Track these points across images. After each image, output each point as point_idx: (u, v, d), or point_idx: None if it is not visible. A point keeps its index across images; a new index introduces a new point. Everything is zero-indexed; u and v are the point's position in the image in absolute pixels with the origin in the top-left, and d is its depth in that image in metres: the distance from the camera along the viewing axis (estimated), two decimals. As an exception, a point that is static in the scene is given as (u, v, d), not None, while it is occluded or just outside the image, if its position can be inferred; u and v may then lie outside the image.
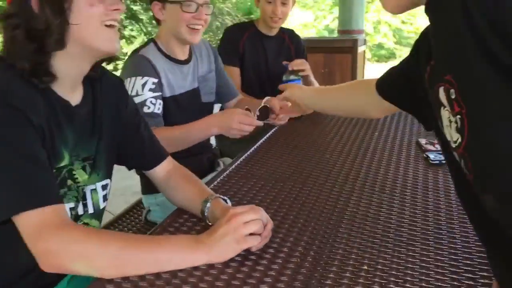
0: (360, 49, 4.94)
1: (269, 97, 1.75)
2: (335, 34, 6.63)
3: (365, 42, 5.38)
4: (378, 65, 15.62)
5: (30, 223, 0.88)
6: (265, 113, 1.72)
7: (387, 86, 1.15)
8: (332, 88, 1.47)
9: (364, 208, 1.21)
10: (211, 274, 0.90)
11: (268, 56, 2.34)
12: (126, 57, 1.74)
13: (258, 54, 2.32)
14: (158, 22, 1.74)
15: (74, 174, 1.05)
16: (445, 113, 0.74)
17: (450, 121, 0.73)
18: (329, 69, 4.81)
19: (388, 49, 20.93)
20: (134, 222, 1.83)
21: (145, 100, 1.57)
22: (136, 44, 9.92)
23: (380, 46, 20.81)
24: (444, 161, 1.47)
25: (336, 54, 4.83)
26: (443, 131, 0.77)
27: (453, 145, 0.74)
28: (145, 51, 1.68)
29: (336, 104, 1.45)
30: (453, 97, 0.70)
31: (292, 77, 2.11)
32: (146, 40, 1.93)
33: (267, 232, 1.00)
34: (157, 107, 1.60)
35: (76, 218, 1.09)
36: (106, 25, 1.00)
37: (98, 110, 1.11)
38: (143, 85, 1.57)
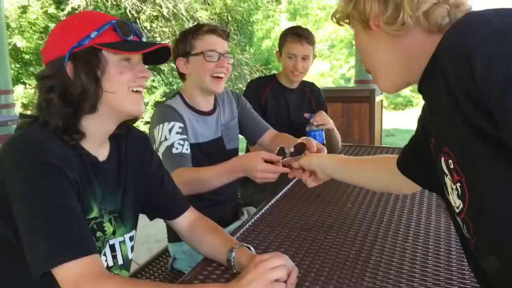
0: (378, 98, 5.03)
1: (306, 137, 1.73)
2: (351, 83, 6.79)
3: (382, 91, 5.47)
4: (395, 113, 15.66)
5: (70, 274, 0.92)
6: (300, 150, 1.68)
7: (407, 164, 1.12)
8: (358, 162, 1.39)
9: (388, 256, 1.23)
10: (241, 321, 0.94)
11: (290, 108, 2.43)
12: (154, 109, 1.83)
13: (280, 107, 2.41)
14: (183, 77, 1.84)
15: (104, 227, 1.11)
16: (448, 181, 0.80)
17: (452, 188, 0.79)
18: (347, 118, 4.89)
19: (405, 97, 21.07)
20: (160, 271, 1.86)
21: (173, 143, 1.63)
22: (157, 94, 10.22)
23: (396, 94, 20.99)
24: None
25: (354, 103, 4.93)
26: (448, 198, 0.83)
27: (456, 211, 0.79)
28: (171, 101, 1.77)
29: (365, 179, 1.36)
30: (451, 167, 0.77)
31: (314, 127, 2.18)
32: (166, 90, 2.02)
33: (292, 279, 1.03)
34: (185, 148, 1.66)
35: (107, 269, 1.13)
36: (133, 91, 1.08)
37: (123, 165, 1.18)
38: (170, 130, 1.65)
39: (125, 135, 1.20)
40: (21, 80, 11.18)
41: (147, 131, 1.65)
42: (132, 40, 1.07)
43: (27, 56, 11.89)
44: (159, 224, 1.81)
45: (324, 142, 2.22)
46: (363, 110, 4.87)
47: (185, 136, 1.68)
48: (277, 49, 2.48)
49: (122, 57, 1.05)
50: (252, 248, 1.19)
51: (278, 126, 2.38)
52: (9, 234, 1.00)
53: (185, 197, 1.35)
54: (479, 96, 0.65)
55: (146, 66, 1.13)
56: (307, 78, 2.56)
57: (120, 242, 1.16)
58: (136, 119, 1.18)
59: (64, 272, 0.92)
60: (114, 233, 1.14)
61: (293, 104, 2.44)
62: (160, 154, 1.61)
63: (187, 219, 1.30)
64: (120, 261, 1.16)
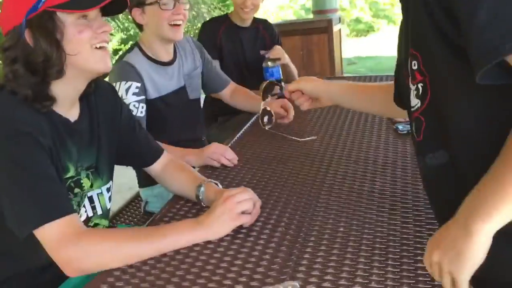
0: (336, 28, 5.05)
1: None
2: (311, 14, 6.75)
3: (340, 20, 5.49)
4: (357, 39, 15.67)
5: (51, 235, 0.99)
6: (268, 116, 1.77)
7: (401, 95, 1.11)
8: (363, 90, 1.42)
9: (340, 178, 1.35)
10: (208, 248, 1.04)
11: (244, 46, 2.46)
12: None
13: (235, 46, 2.44)
14: (140, 27, 1.84)
15: (82, 183, 1.18)
16: (409, 84, 0.87)
17: (411, 89, 0.87)
18: (307, 50, 4.92)
19: (366, 23, 21.00)
20: (134, 215, 1.97)
21: (128, 104, 1.66)
22: (114, 41, 9.92)
23: (357, 20, 20.87)
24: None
25: (313, 35, 4.94)
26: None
27: (412, 110, 0.88)
28: (129, 56, 1.78)
29: (370, 108, 1.44)
30: (415, 68, 0.84)
31: (270, 64, 2.24)
32: (123, 36, 2.01)
33: (256, 210, 1.14)
34: (140, 111, 1.71)
35: (87, 220, 1.21)
36: (96, 47, 1.09)
37: (95, 121, 1.22)
38: (127, 90, 1.68)
39: (93, 91, 1.22)
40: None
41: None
42: None
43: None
44: (130, 173, 1.90)
45: (281, 77, 2.29)
46: (322, 41, 4.90)
47: (142, 97, 1.72)
48: None
49: (78, 15, 1.05)
50: (219, 184, 1.29)
51: (234, 65, 2.44)
52: None
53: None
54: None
55: (105, 18, 1.13)
56: (266, 12, 2.58)
57: (98, 194, 1.23)
58: (105, 75, 1.21)
59: (46, 234, 0.99)
60: (91, 186, 1.21)
61: (247, 42, 2.47)
62: None
63: (161, 163, 1.38)
64: (99, 211, 1.24)
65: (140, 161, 1.39)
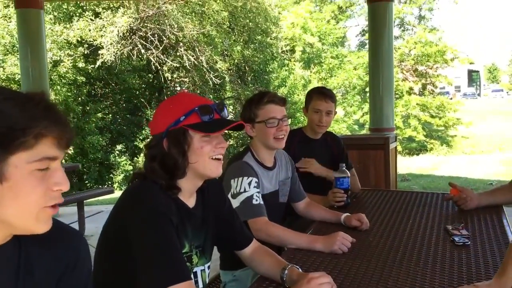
0: (392, 145, 5.36)
1: (345, 215, 2.17)
2: (365, 128, 7.13)
3: (395, 138, 5.80)
4: (409, 158, 15.85)
5: None
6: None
7: None
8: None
9: (403, 279, 1.56)
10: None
11: (315, 155, 2.81)
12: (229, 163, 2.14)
13: (308, 156, 2.79)
14: (251, 136, 2.22)
15: (192, 259, 1.45)
16: None
17: None
18: (363, 164, 5.21)
19: (419, 141, 21.34)
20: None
21: (253, 194, 1.99)
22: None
23: (410, 139, 21.29)
24: (467, 243, 1.82)
25: (370, 150, 5.26)
26: None
27: None
28: (246, 158, 2.13)
29: None
30: None
31: (341, 175, 2.52)
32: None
33: None
34: (261, 200, 2.03)
35: None
36: (213, 158, 1.39)
37: (205, 210, 1.52)
38: (249, 183, 2.01)
39: (206, 187, 1.53)
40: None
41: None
42: (212, 120, 1.36)
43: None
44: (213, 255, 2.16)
45: (350, 187, 2.57)
46: (378, 157, 5.19)
47: (259, 190, 2.05)
48: (303, 105, 2.91)
49: (203, 134, 1.38)
50: (299, 268, 1.53)
51: (304, 173, 2.76)
52: (111, 274, 1.33)
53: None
54: None
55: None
56: None
57: (201, 270, 1.49)
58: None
59: None
60: (197, 263, 1.47)
61: (318, 151, 2.83)
62: (237, 201, 1.96)
63: (251, 248, 1.64)
64: (201, 285, 1.49)
65: (234, 244, 1.66)
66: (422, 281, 1.52)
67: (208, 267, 1.54)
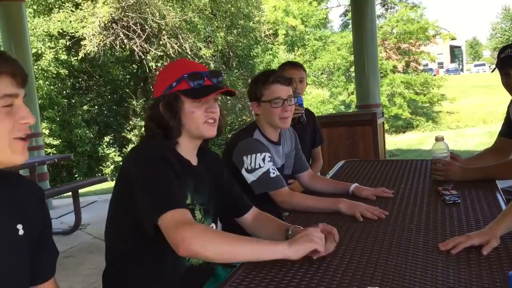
0: (379, 120, 5.45)
1: (355, 185, 2.19)
2: (351, 109, 7.21)
3: (382, 114, 5.90)
4: (396, 136, 16.02)
5: (170, 220, 1.28)
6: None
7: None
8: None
9: (398, 235, 1.64)
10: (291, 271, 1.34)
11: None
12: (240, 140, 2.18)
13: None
14: (257, 113, 2.26)
15: (195, 213, 1.53)
16: None
17: None
18: (352, 140, 5.30)
19: (405, 119, 21.55)
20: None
21: (269, 169, 2.05)
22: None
23: (396, 117, 21.50)
24: (457, 201, 1.91)
25: (358, 126, 5.35)
26: None
27: None
28: (256, 135, 2.19)
29: None
30: None
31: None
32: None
33: (336, 237, 1.46)
34: (276, 173, 2.08)
35: None
36: (206, 122, 1.50)
37: (207, 174, 1.61)
38: (263, 159, 2.06)
39: (203, 158, 1.62)
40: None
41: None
42: (201, 86, 1.47)
43: (39, 101, 12.45)
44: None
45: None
46: (366, 132, 5.28)
47: (272, 163, 2.11)
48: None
49: (191, 99, 1.48)
50: (302, 228, 1.59)
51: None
52: (122, 222, 1.45)
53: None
54: None
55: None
56: (308, 106, 3.06)
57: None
58: (212, 138, 1.60)
59: (166, 219, 1.28)
60: (201, 221, 1.55)
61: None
62: (254, 176, 2.05)
63: (251, 215, 1.71)
64: None
65: (234, 211, 1.73)
66: (416, 236, 1.60)
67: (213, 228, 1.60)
